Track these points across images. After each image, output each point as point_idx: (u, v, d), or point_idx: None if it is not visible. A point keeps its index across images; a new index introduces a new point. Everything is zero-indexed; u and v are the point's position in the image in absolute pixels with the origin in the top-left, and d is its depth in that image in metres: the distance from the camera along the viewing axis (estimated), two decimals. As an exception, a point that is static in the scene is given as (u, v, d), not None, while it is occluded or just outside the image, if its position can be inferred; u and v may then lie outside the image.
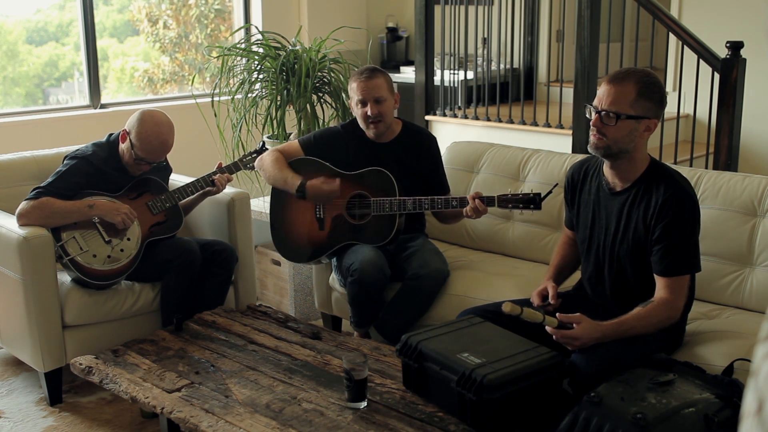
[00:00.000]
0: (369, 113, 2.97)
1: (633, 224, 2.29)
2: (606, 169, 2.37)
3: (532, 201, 2.70)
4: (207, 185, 3.13)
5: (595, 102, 2.27)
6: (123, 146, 2.98)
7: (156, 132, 2.94)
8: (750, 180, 2.73)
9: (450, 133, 4.63)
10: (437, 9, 4.73)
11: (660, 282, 2.25)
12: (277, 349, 2.65)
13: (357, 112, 3.02)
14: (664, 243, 2.23)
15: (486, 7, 4.61)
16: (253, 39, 4.28)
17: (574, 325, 2.18)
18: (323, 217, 3.06)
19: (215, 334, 2.78)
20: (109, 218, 2.90)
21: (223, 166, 3.21)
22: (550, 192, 2.70)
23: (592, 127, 2.25)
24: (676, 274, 2.23)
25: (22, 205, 2.84)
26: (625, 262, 2.33)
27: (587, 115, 2.31)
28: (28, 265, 2.76)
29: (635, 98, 2.20)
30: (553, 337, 2.20)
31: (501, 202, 2.74)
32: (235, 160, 3.31)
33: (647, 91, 2.22)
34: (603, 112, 2.22)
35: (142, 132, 2.93)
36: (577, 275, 2.61)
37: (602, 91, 2.25)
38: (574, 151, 3.96)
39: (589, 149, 2.30)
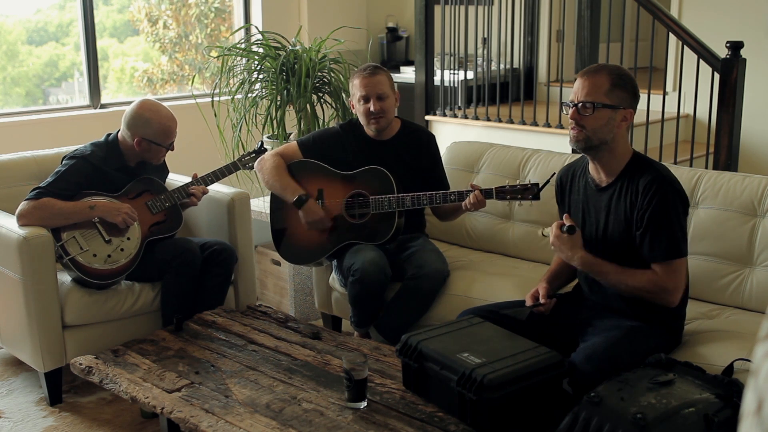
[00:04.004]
0: (372, 109, 2.97)
1: (620, 216, 2.31)
2: (591, 166, 2.41)
3: (531, 192, 2.70)
4: (184, 197, 3.10)
5: (571, 97, 2.33)
6: (141, 150, 2.98)
7: (165, 117, 2.99)
8: (750, 180, 2.73)
9: (450, 133, 4.63)
10: (437, 9, 4.73)
11: (653, 267, 2.28)
12: (277, 349, 2.65)
13: (359, 108, 3.03)
14: (646, 230, 2.25)
15: (486, 7, 4.61)
16: (253, 39, 4.28)
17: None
18: (323, 217, 3.06)
19: (215, 334, 2.78)
20: (110, 219, 2.89)
21: (198, 177, 3.16)
22: (548, 182, 2.70)
23: (570, 120, 2.30)
24: (662, 260, 2.25)
25: (23, 205, 2.84)
26: (618, 255, 2.33)
27: (564, 112, 2.35)
28: (28, 265, 2.76)
29: (609, 88, 2.26)
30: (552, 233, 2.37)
31: (499, 193, 2.75)
32: (234, 159, 3.31)
33: (620, 81, 2.28)
34: (580, 104, 2.28)
35: (156, 127, 2.96)
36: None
37: (577, 84, 2.31)
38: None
39: (569, 144, 2.35)
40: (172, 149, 3.08)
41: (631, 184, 2.30)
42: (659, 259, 2.25)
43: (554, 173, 2.82)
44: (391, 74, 3.12)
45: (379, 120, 3.00)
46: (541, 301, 2.42)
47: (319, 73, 3.89)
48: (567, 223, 2.35)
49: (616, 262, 2.34)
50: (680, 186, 2.30)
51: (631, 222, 2.29)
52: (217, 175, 3.17)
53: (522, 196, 2.72)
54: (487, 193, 2.77)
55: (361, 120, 3.05)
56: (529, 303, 2.45)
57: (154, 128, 2.96)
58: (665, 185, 2.25)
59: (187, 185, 3.11)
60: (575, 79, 2.35)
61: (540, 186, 2.69)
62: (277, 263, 3.79)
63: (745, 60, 3.59)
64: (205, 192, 3.14)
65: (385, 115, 3.01)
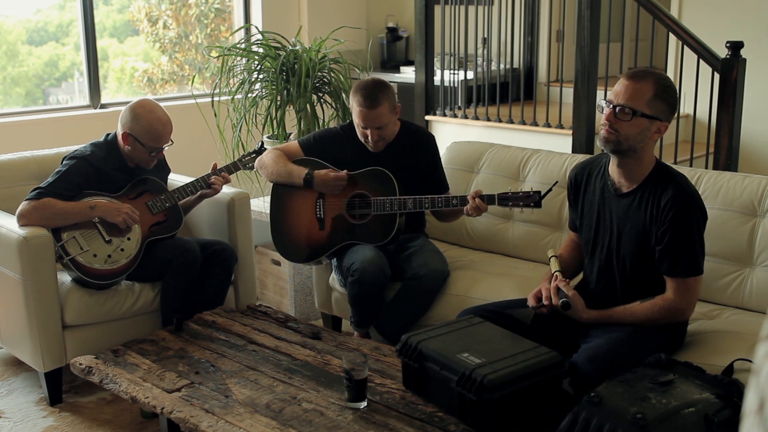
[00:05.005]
0: (369, 138, 2.97)
1: (638, 226, 2.29)
2: (612, 168, 2.36)
3: (533, 199, 2.71)
4: (204, 187, 3.12)
5: (611, 96, 2.27)
6: (128, 148, 2.97)
7: (156, 119, 2.95)
8: (750, 180, 2.73)
9: (450, 133, 4.63)
10: (437, 9, 4.73)
11: (667, 282, 2.28)
12: (277, 349, 2.65)
13: (357, 128, 3.02)
14: (667, 247, 2.24)
15: (486, 7, 4.61)
16: (253, 39, 4.28)
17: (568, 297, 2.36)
18: (323, 216, 3.06)
19: (215, 334, 2.78)
20: (111, 219, 2.89)
21: (218, 167, 3.19)
22: (550, 190, 2.71)
23: (604, 121, 2.25)
24: (679, 276, 2.24)
25: (23, 205, 2.84)
26: (631, 262, 2.33)
27: (599, 111, 2.31)
28: (28, 265, 2.76)
29: (652, 97, 2.21)
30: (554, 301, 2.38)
31: (501, 200, 2.75)
32: (234, 160, 3.31)
33: (664, 92, 2.23)
34: (618, 107, 2.22)
35: (143, 125, 2.93)
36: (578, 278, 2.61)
37: (620, 86, 2.25)
38: (574, 151, 3.96)
39: (598, 143, 2.30)
40: (159, 156, 3.04)
41: (652, 196, 2.27)
42: (677, 276, 2.25)
43: (556, 182, 2.83)
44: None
45: (376, 143, 3.01)
46: (545, 302, 2.41)
47: (319, 73, 3.89)
48: (562, 287, 2.37)
49: (627, 268, 2.34)
50: (701, 201, 2.29)
51: (648, 234, 2.28)
52: (230, 169, 3.19)
53: (524, 203, 2.73)
54: (489, 200, 2.77)
55: (359, 137, 3.04)
56: (531, 303, 2.44)
57: (141, 125, 2.93)
58: (688, 202, 2.23)
59: (207, 176, 3.12)
60: (618, 78, 2.30)
61: (542, 194, 2.70)
62: (277, 263, 3.78)
63: (745, 60, 3.59)
64: (227, 180, 3.16)
65: (382, 140, 3.01)
